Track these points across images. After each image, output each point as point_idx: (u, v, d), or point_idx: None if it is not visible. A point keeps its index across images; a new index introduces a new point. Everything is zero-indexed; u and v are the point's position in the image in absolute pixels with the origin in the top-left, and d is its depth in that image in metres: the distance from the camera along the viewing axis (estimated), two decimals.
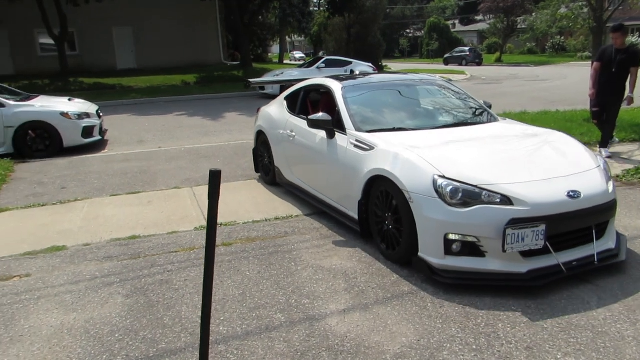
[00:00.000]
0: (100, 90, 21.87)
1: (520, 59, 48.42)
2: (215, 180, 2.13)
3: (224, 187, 6.40)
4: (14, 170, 8.04)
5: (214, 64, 30.05)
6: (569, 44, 52.39)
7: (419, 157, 3.86)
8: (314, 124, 4.90)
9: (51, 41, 24.39)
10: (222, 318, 3.29)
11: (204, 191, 6.33)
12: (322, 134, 5.02)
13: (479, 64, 44.97)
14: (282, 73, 17.98)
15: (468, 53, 46.36)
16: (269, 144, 6.37)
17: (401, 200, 3.80)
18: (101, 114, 10.37)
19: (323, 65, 19.07)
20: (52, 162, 8.68)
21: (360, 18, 29.85)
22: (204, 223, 5.14)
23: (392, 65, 40.29)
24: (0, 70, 26.83)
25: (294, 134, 5.68)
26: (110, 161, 8.51)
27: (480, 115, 5.31)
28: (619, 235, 4.17)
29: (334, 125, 4.86)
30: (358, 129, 4.68)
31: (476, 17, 72.33)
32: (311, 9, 47.79)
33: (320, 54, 56.83)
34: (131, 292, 3.70)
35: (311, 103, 6.23)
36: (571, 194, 3.61)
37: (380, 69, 25.41)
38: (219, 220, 5.09)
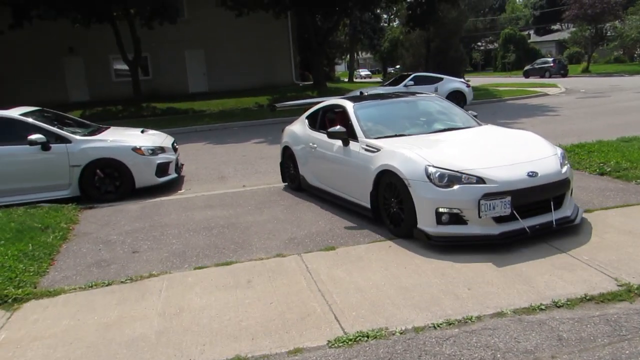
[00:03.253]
0: (172, 115, 21.04)
1: (610, 69, 44.30)
2: None
3: (343, 256, 4.64)
4: (78, 221, 6.67)
5: (285, 85, 28.85)
6: None
7: (414, 152, 4.95)
8: (332, 135, 6.07)
9: (125, 66, 24.01)
10: None
11: (318, 262, 4.58)
12: (338, 143, 6.11)
13: (564, 75, 41.47)
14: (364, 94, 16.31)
15: (552, 64, 42.88)
16: (294, 157, 7.41)
17: (402, 187, 4.84)
18: (177, 147, 8.96)
19: (412, 82, 17.22)
20: (122, 207, 7.27)
21: (441, 31, 27.83)
22: (339, 330, 3.36)
23: (471, 79, 37.78)
24: (75, 97, 26.92)
25: (315, 145, 6.78)
26: (189, 207, 6.98)
27: (465, 121, 6.38)
28: (576, 206, 5.21)
29: (348, 135, 5.95)
30: (367, 137, 5.79)
31: (553, 27, 68.19)
32: (382, 24, 46.10)
33: (391, 70, 55.10)
34: None
35: (328, 120, 7.06)
36: (530, 173, 4.68)
37: None
38: (355, 324, 3.31)
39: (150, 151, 8.02)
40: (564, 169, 4.99)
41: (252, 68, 28.87)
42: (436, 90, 17.05)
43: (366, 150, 5.57)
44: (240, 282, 4.28)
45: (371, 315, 3.52)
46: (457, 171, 4.62)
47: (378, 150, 5.38)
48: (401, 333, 3.27)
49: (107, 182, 7.85)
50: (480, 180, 4.55)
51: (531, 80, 38.55)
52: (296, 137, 7.43)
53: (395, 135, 5.82)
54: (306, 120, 7.45)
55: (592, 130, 11.38)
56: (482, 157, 4.94)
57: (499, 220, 4.56)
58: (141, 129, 9.17)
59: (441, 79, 17.64)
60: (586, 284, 3.78)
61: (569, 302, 3.51)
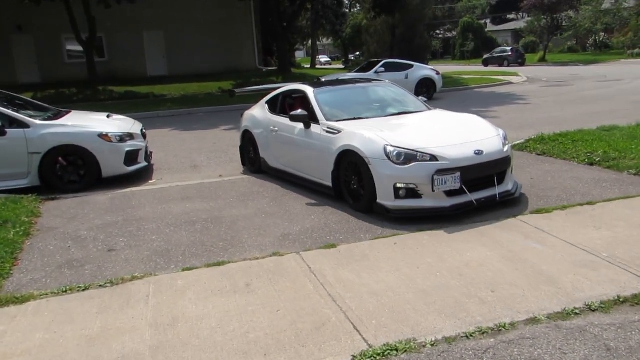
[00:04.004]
0: (131, 99, 20.05)
1: (565, 58, 45.36)
2: None
3: (347, 254, 4.28)
4: (40, 214, 6.04)
5: (249, 70, 28.07)
6: (615, 40, 49.13)
7: (374, 133, 5.35)
8: (294, 119, 6.31)
9: (79, 47, 22.65)
10: None
11: (321, 262, 4.20)
12: (300, 126, 6.37)
13: (522, 64, 42.20)
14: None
15: (510, 53, 43.62)
16: (254, 140, 7.57)
17: (363, 165, 5.24)
18: (146, 134, 8.35)
19: (382, 69, 16.88)
20: (89, 199, 6.67)
21: (406, 18, 27.62)
22: (362, 342, 3.00)
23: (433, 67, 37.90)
24: (25, 79, 25.31)
25: (276, 129, 7.01)
26: (164, 199, 6.46)
27: (416, 106, 6.86)
28: (516, 182, 5.73)
29: (310, 119, 6.24)
30: (328, 120, 6.10)
31: (509, 16, 69.30)
32: (344, 10, 45.56)
33: (352, 57, 54.74)
34: None
35: (288, 105, 7.37)
36: (477, 152, 5.19)
37: None
38: (379, 335, 2.97)
39: (118, 138, 7.39)
40: (506, 148, 5.51)
41: (214, 52, 27.89)
42: (407, 77, 16.85)
43: (327, 132, 5.90)
44: (238, 285, 3.85)
45: (394, 324, 3.17)
46: (413, 150, 5.06)
47: (339, 132, 5.73)
48: (432, 345, 2.94)
49: (71, 170, 7.20)
50: (433, 158, 5.01)
51: (490, 68, 38.96)
52: (256, 122, 7.60)
53: (354, 118, 6.16)
54: (266, 105, 7.64)
55: (566, 118, 11.39)
56: (434, 138, 5.39)
57: (449, 194, 5.06)
58: (107, 114, 8.48)
59: (412, 66, 17.40)
60: (614, 284, 3.56)
61: (603, 305, 3.26)
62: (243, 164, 8.08)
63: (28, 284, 4.14)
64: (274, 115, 7.28)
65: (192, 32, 27.22)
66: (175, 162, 8.99)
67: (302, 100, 6.90)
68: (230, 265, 4.24)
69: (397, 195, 5.04)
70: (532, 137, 8.70)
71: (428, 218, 4.99)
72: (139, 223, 5.54)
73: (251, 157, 7.78)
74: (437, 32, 67.03)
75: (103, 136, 7.25)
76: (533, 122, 11.43)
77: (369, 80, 7.93)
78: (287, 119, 6.61)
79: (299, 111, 6.30)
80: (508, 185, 5.49)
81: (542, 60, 45.20)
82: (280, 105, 7.41)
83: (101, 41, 25.84)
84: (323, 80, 8.38)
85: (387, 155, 5.04)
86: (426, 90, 17.05)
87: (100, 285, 4.00)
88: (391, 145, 5.09)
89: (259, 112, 7.71)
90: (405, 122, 6.24)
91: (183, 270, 4.20)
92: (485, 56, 46.18)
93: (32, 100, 9.12)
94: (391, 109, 6.73)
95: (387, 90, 7.27)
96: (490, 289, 3.57)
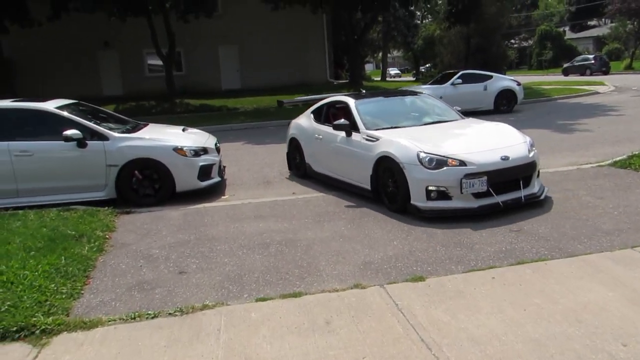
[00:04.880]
0: (206, 112, 20.40)
1: None
2: None
3: (437, 289, 3.75)
4: (115, 228, 5.96)
5: (320, 83, 27.97)
6: None
7: (408, 141, 5.85)
8: (337, 127, 6.91)
9: (158, 62, 23.51)
10: None
11: (409, 297, 3.73)
12: (342, 134, 6.90)
13: (606, 72, 39.52)
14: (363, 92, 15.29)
15: (593, 61, 41.01)
16: (300, 147, 8.18)
17: (398, 170, 5.73)
18: (220, 148, 8.21)
19: (459, 81, 16.06)
20: (162, 214, 6.54)
21: (481, 27, 26.57)
22: None
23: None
24: (110, 91, 26.61)
25: (320, 136, 7.57)
26: (237, 217, 6.20)
27: (450, 115, 7.35)
28: (542, 185, 6.14)
29: (351, 127, 6.79)
30: (368, 128, 6.64)
31: (589, 23, 65.52)
32: (416, 21, 44.77)
33: (422, 69, 53.74)
34: None
35: (331, 114, 7.84)
36: (503, 157, 5.60)
37: None
38: None
39: (192, 152, 7.27)
40: (532, 154, 5.91)
41: (286, 65, 28.06)
42: (485, 88, 15.97)
43: (367, 140, 6.41)
44: (317, 322, 3.45)
45: None
46: (443, 156, 5.52)
47: (377, 139, 6.22)
48: None
49: (146, 184, 7.14)
50: (462, 163, 5.44)
51: (571, 78, 36.82)
52: (302, 130, 8.21)
53: (391, 127, 6.65)
54: (311, 115, 8.21)
55: None
56: (464, 144, 5.92)
57: (477, 195, 5.47)
58: (182, 127, 8.44)
59: (490, 76, 16.46)
60: None
61: None
62: (289, 168, 8.72)
63: (97, 306, 3.96)
64: (318, 124, 7.87)
65: (265, 46, 27.56)
66: (248, 177, 8.80)
67: (344, 110, 7.38)
68: (307, 297, 3.86)
69: (428, 197, 5.49)
70: (636, 152, 7.81)
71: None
72: (211, 243, 5.29)
73: (297, 162, 8.42)
74: (512, 41, 64.56)
75: (178, 150, 7.15)
76: (631, 135, 10.39)
77: (407, 93, 8.73)
78: (331, 128, 7.22)
79: (342, 120, 6.83)
80: (534, 188, 5.87)
81: (629, 68, 42.31)
82: (325, 115, 7.96)
83: (179, 56, 26.73)
84: (363, 92, 9.08)
85: (420, 160, 5.50)
86: (506, 102, 16.13)
87: (170, 314, 3.73)
88: (424, 152, 5.55)
89: (304, 121, 8.32)
90: (438, 130, 6.68)
91: (257, 300, 3.86)
92: (565, 65, 43.82)
93: (113, 112, 9.27)
94: (426, 118, 7.23)
95: (423, 101, 7.81)
96: (620, 342, 2.96)
